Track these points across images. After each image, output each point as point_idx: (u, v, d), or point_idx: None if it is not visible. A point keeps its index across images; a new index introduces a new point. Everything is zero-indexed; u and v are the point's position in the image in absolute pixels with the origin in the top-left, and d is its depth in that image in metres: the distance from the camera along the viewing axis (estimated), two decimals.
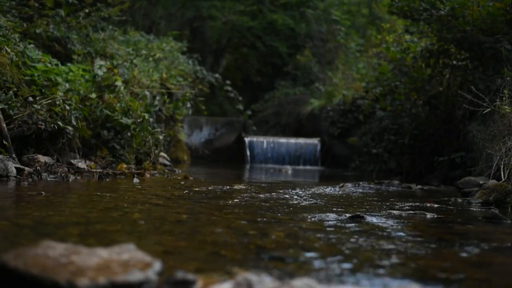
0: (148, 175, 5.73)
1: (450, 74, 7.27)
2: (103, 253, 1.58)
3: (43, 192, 3.66)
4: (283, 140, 11.20)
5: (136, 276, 1.46)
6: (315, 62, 14.61)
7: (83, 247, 1.64)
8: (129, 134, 6.12)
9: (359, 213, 3.22)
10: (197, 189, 4.65)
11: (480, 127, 5.83)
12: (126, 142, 6.08)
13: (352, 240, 2.48)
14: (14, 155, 4.78)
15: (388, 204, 3.99)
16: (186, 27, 16.84)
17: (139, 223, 2.76)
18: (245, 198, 4.01)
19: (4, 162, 4.48)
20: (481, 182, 4.79)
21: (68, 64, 6.32)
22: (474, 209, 4.06)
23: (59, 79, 5.53)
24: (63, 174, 4.86)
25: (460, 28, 6.26)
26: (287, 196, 4.29)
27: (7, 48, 5.19)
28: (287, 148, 10.95)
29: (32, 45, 5.93)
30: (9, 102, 4.89)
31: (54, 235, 2.24)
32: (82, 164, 5.29)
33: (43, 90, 5.34)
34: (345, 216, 3.16)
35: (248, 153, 10.84)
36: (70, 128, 5.31)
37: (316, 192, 4.80)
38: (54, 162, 5.08)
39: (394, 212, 3.51)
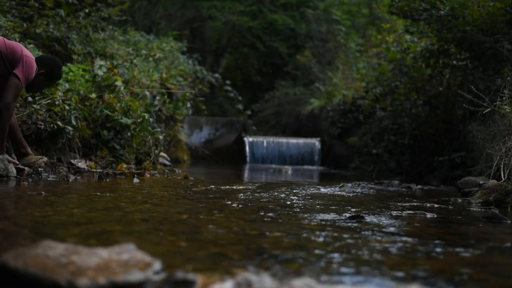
0: (148, 175, 5.73)
1: (450, 74, 7.27)
2: (103, 253, 1.58)
3: (43, 192, 3.65)
4: (283, 140, 11.20)
5: (136, 276, 1.46)
6: (315, 62, 14.61)
7: (83, 247, 1.64)
8: (129, 134, 6.11)
9: (359, 213, 3.22)
10: (197, 189, 4.65)
11: (480, 127, 5.83)
12: (126, 142, 6.08)
13: (352, 240, 2.48)
14: (14, 155, 4.78)
15: (388, 204, 3.99)
16: (186, 27, 16.85)
17: (139, 223, 2.76)
18: (245, 198, 4.01)
19: (4, 162, 4.48)
20: (481, 182, 4.79)
21: (68, 64, 6.32)
22: (474, 209, 4.06)
23: None
24: (63, 174, 4.86)
25: (460, 28, 6.26)
26: (287, 196, 4.29)
27: None
28: (287, 148, 10.95)
29: (32, 45, 5.93)
30: None
31: (54, 235, 2.24)
32: (82, 164, 5.29)
33: (43, 90, 5.33)
34: (345, 216, 3.16)
35: (248, 153, 10.84)
36: (70, 128, 5.31)
37: (316, 192, 4.80)
38: (54, 162, 5.08)
39: (394, 212, 3.51)
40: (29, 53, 4.55)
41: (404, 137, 8.01)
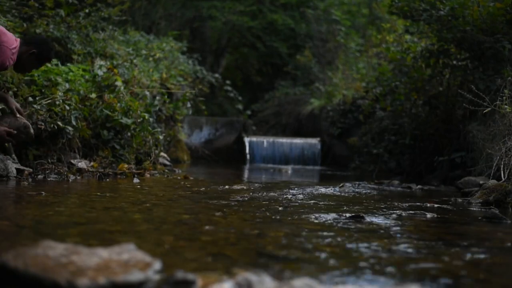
0: (148, 175, 5.73)
1: (450, 74, 7.27)
2: (103, 253, 1.58)
3: (43, 192, 3.65)
4: (283, 140, 11.20)
5: (136, 276, 1.46)
6: (315, 62, 14.61)
7: (83, 247, 1.64)
8: (129, 134, 6.11)
9: (359, 213, 3.22)
10: (197, 189, 4.65)
11: (480, 127, 5.83)
12: (126, 142, 6.08)
13: (352, 240, 2.48)
14: (14, 155, 4.78)
15: (388, 204, 3.99)
16: (186, 27, 16.84)
17: (139, 223, 2.76)
18: (245, 198, 4.01)
19: (4, 162, 4.48)
20: (481, 182, 4.79)
21: (68, 64, 6.32)
22: (474, 209, 4.06)
23: (59, 79, 5.52)
24: (64, 174, 4.86)
25: (460, 28, 6.26)
26: (287, 196, 4.29)
27: None
28: (287, 148, 10.94)
29: None
30: None
31: (54, 235, 2.24)
32: (82, 164, 5.29)
33: (43, 90, 5.33)
34: (345, 216, 3.16)
35: (248, 153, 10.84)
36: (70, 128, 5.31)
37: (316, 192, 4.80)
38: (54, 162, 5.08)
39: (394, 212, 3.51)
40: (6, 39, 4.37)
41: (404, 137, 8.00)
